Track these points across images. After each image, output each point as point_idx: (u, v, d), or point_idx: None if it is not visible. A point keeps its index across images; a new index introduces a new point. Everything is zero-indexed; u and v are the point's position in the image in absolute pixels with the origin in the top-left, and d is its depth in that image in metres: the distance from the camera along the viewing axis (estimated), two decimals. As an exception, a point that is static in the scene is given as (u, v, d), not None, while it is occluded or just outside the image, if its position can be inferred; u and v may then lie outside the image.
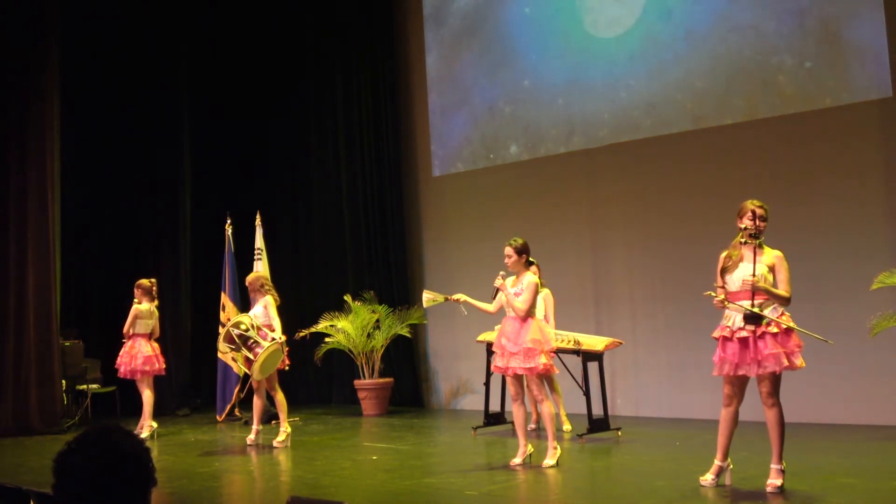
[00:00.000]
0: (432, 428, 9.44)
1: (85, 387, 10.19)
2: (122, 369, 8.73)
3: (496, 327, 6.99)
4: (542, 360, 6.22)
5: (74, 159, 11.10)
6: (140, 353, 8.65)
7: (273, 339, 7.80)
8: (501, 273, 6.50)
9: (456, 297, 6.89)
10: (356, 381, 10.51)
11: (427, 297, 7.08)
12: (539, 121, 9.99)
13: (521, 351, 6.25)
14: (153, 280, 9.06)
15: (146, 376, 8.69)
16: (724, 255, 5.39)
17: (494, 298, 6.58)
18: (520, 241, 6.46)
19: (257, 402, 8.17)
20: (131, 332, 8.73)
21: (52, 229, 9.95)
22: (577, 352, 7.76)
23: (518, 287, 6.37)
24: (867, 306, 7.19)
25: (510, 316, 6.42)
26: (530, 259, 6.58)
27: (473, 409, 9.81)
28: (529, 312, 6.32)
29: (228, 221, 10.61)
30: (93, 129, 11.38)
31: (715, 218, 8.10)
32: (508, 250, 6.43)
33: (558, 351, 7.26)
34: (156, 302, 8.93)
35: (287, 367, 8.26)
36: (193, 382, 11.52)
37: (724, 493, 5.26)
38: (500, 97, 10.33)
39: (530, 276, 6.40)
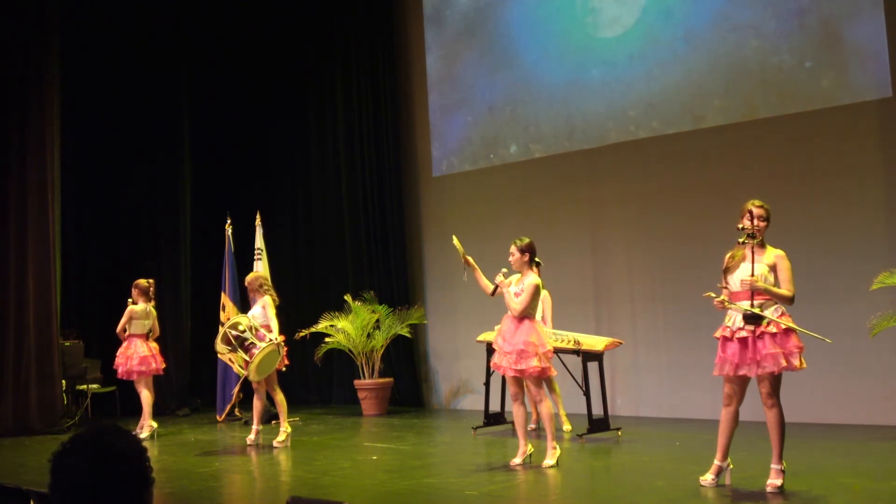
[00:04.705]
0: (432, 428, 9.43)
1: (85, 387, 10.20)
2: (119, 370, 8.73)
3: (496, 327, 6.99)
4: (534, 362, 6.19)
5: (74, 159, 11.10)
6: (136, 354, 8.64)
7: (270, 339, 7.79)
8: (504, 270, 6.52)
9: (470, 262, 6.63)
10: (356, 381, 10.51)
11: (457, 241, 6.83)
12: (539, 121, 9.99)
13: (514, 352, 6.26)
14: (151, 280, 9.05)
15: (143, 377, 8.68)
16: (728, 255, 5.40)
17: (493, 294, 6.58)
18: (525, 240, 6.47)
19: (257, 403, 8.16)
20: (128, 332, 8.73)
21: (52, 229, 9.95)
22: (576, 352, 7.75)
23: (519, 287, 6.37)
24: (867, 306, 7.19)
25: (508, 315, 6.43)
26: (536, 260, 6.56)
27: (473, 409, 9.81)
28: (525, 313, 6.32)
29: (228, 221, 10.61)
30: (93, 129, 11.38)
31: (715, 218, 8.10)
32: (512, 248, 6.45)
33: (558, 351, 7.26)
34: (153, 302, 8.93)
35: (285, 368, 8.24)
36: (193, 382, 11.52)
37: (724, 493, 5.26)
38: (500, 97, 10.32)
39: (532, 278, 6.39)
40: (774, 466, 5.20)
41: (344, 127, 11.56)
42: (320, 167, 11.86)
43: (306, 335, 10.17)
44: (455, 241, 6.78)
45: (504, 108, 10.29)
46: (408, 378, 10.93)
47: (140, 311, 8.75)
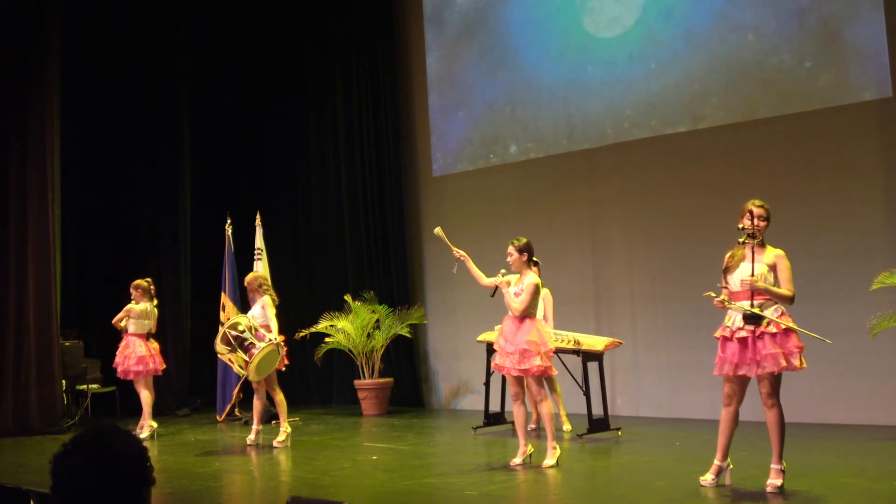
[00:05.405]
0: (432, 428, 9.43)
1: (85, 387, 10.20)
2: (118, 369, 8.73)
3: (496, 327, 6.99)
4: (537, 361, 6.21)
5: (74, 160, 11.10)
6: (134, 354, 8.62)
7: (269, 339, 7.79)
8: (502, 270, 6.52)
9: (460, 253, 6.70)
10: (356, 381, 10.51)
11: (440, 231, 6.89)
12: (539, 121, 9.99)
13: (516, 351, 6.26)
14: (149, 280, 9.03)
15: (140, 376, 8.67)
16: (728, 255, 5.40)
17: (493, 296, 6.59)
18: (523, 240, 6.48)
19: (257, 403, 8.16)
20: (126, 330, 8.71)
21: (52, 229, 9.94)
22: (577, 352, 7.76)
23: (518, 287, 6.38)
24: (867, 306, 7.19)
25: (509, 315, 6.43)
26: (534, 259, 6.58)
27: (473, 409, 9.81)
28: (526, 313, 6.32)
29: (228, 221, 10.61)
30: (93, 129, 11.38)
31: (715, 218, 8.10)
32: (510, 248, 6.47)
33: (558, 351, 7.26)
34: (155, 301, 8.92)
35: (285, 368, 8.24)
36: (193, 382, 11.51)
37: (724, 493, 5.26)
38: (500, 97, 10.33)
39: (531, 277, 6.40)
40: (774, 466, 5.20)
41: (344, 127, 11.56)
42: (320, 167, 11.86)
43: (306, 335, 10.17)
44: (438, 231, 6.81)
45: (504, 108, 10.29)
46: (408, 378, 10.93)
47: (140, 310, 8.73)
